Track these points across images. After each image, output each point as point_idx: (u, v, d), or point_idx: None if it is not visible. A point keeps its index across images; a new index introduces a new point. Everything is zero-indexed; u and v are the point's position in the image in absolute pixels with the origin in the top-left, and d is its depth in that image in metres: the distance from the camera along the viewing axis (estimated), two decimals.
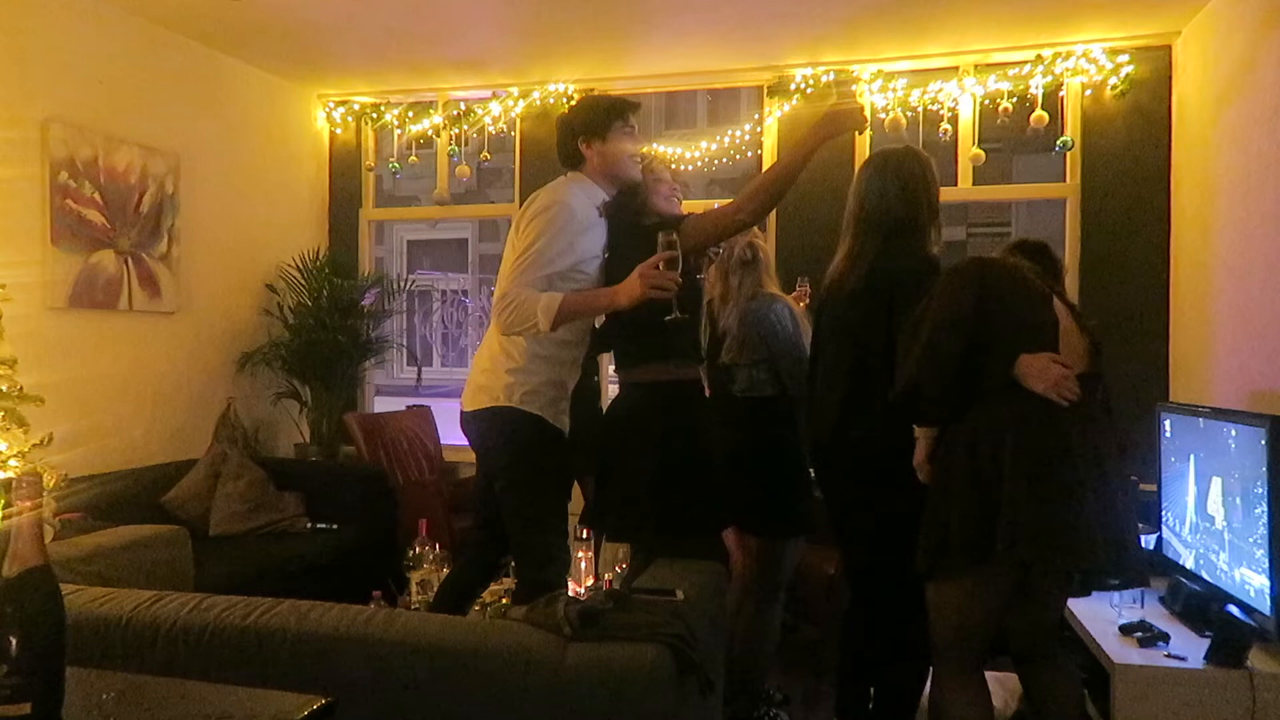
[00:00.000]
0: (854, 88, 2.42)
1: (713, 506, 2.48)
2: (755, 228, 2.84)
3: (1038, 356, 2.05)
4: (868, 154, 4.29)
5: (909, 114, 4.16)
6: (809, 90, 4.24)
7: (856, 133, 2.42)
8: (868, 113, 4.14)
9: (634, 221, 2.48)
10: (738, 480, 2.63)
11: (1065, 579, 2.21)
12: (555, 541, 2.47)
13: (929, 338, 2.10)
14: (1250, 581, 2.50)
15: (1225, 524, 2.66)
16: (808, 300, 3.12)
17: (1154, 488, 3.15)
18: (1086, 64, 3.94)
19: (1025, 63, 4.01)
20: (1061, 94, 4.03)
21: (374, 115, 4.87)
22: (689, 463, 2.42)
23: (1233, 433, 2.60)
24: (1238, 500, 2.58)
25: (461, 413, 2.52)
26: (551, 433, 2.45)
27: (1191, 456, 2.90)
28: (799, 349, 2.78)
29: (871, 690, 2.56)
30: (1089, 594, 2.35)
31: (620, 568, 2.60)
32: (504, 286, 2.36)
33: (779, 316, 2.79)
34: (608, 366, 3.68)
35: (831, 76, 4.21)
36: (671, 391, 2.47)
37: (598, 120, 2.49)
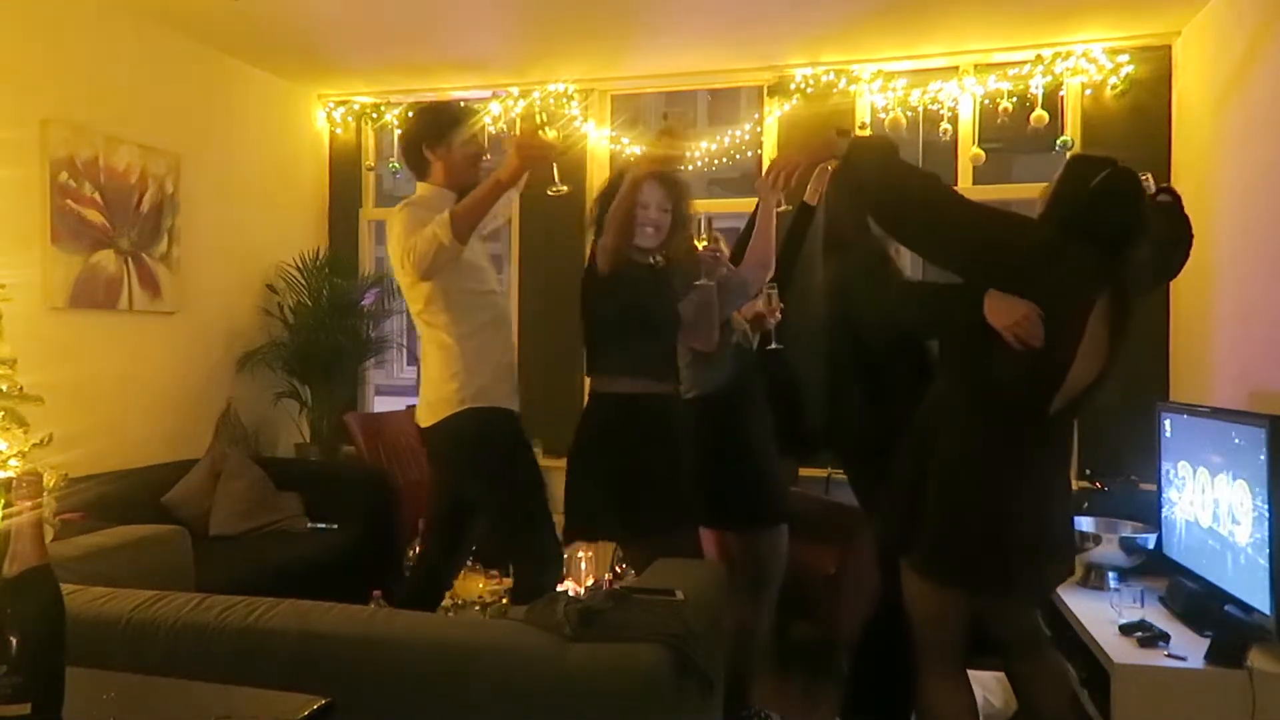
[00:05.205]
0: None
1: (679, 507, 2.47)
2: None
3: (1010, 297, 1.97)
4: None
5: (909, 114, 4.16)
6: (809, 90, 4.24)
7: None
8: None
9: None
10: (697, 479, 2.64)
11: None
12: (547, 541, 2.48)
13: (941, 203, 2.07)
14: (1250, 581, 2.50)
15: (1225, 523, 2.66)
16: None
17: (1154, 487, 3.15)
18: (1086, 64, 3.94)
19: (1025, 63, 4.01)
20: (1061, 94, 4.03)
21: (374, 115, 4.87)
22: (655, 468, 2.41)
23: (1233, 433, 2.60)
24: (1237, 500, 2.58)
25: (420, 430, 2.57)
26: (511, 421, 2.51)
27: (1191, 456, 2.90)
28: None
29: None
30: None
31: (620, 568, 2.60)
32: (403, 279, 2.44)
33: None
34: None
35: (831, 76, 4.21)
36: (638, 405, 2.44)
37: (441, 128, 2.56)
